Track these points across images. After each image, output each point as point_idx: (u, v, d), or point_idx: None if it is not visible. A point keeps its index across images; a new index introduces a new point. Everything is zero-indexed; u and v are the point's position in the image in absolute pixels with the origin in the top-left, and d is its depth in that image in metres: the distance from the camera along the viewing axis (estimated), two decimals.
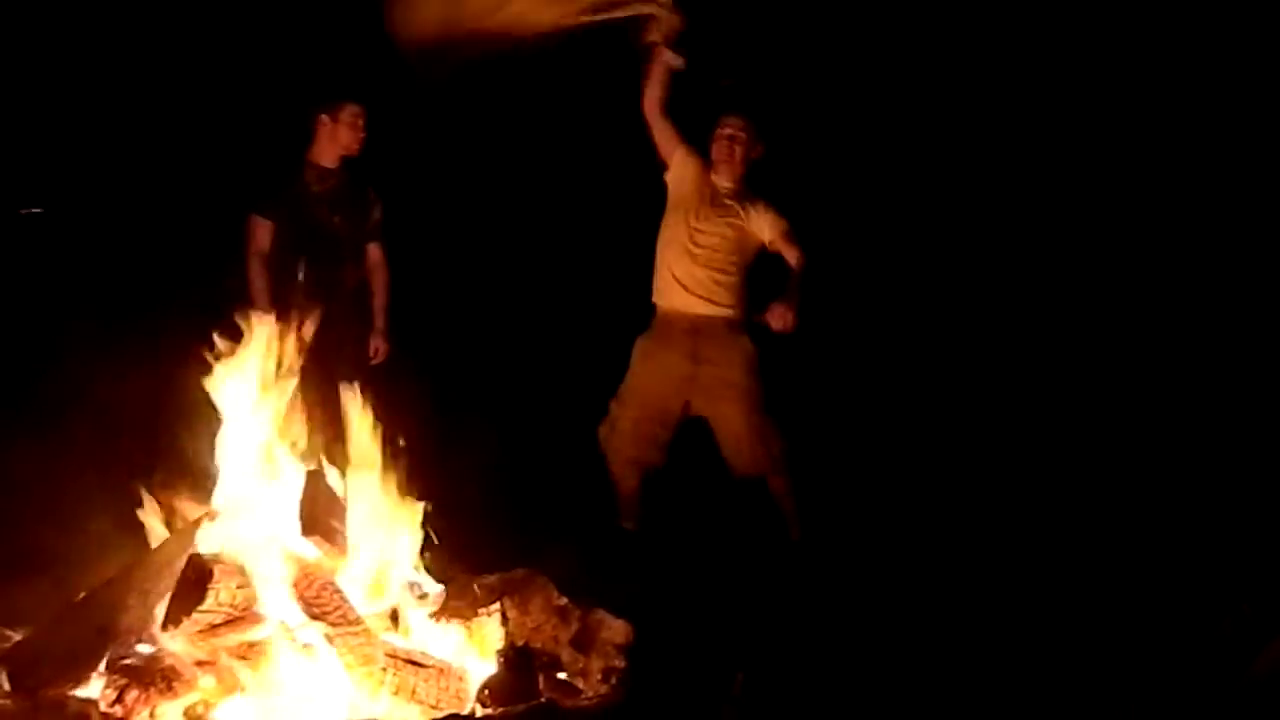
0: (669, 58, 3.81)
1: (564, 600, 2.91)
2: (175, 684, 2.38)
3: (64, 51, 4.86)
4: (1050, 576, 3.64)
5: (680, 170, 4.02)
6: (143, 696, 2.33)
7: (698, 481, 4.25)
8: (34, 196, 4.90)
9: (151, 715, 2.33)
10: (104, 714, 2.26)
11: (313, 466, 2.71)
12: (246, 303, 3.79)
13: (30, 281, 4.76)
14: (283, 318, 2.71)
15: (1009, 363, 5.36)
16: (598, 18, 3.45)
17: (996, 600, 3.48)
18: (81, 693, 2.36)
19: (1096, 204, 5.53)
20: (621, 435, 4.08)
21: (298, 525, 2.61)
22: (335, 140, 4.15)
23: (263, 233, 4.11)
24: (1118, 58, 5.36)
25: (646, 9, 3.65)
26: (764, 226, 3.98)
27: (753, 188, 4.02)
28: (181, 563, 2.51)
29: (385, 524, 2.75)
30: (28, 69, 4.75)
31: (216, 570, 2.49)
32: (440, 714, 2.43)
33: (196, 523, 2.59)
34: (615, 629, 2.74)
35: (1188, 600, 3.24)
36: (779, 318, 3.84)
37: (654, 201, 4.14)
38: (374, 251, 4.37)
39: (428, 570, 2.91)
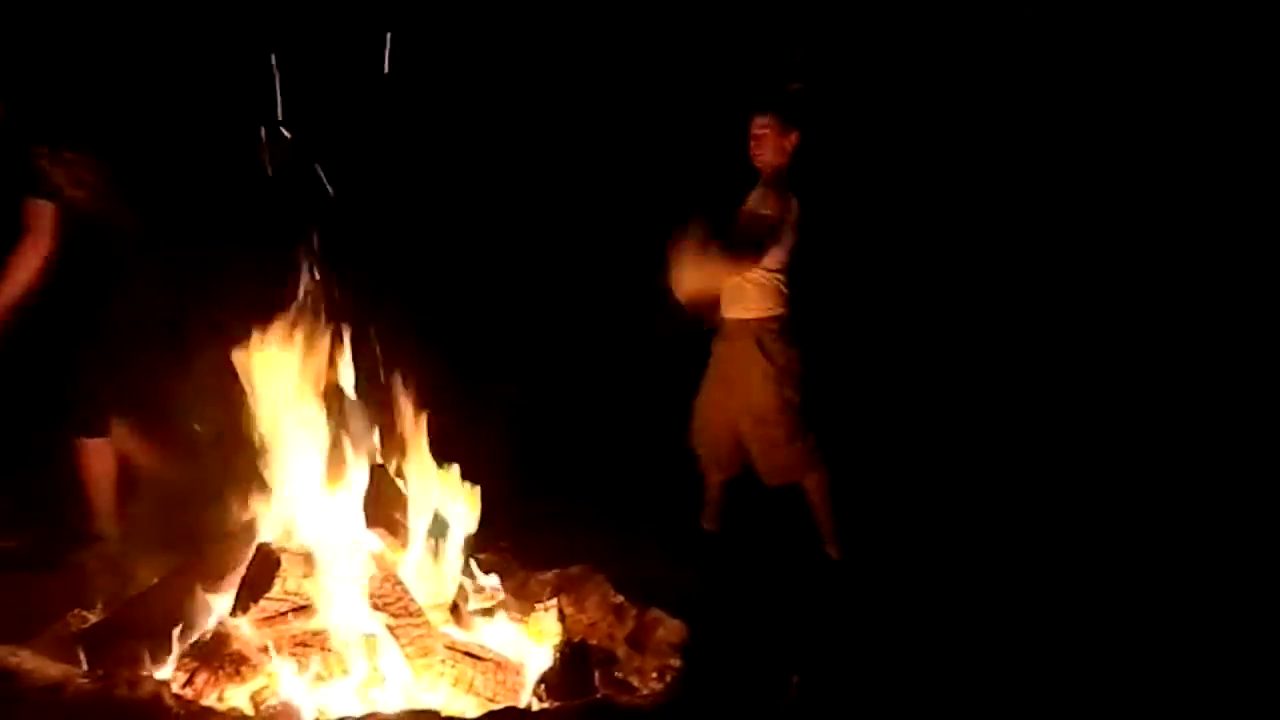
0: None
1: (620, 598, 2.94)
2: (243, 669, 2.46)
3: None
4: (1059, 577, 3.61)
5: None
6: (211, 679, 2.41)
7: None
8: None
9: (220, 698, 2.40)
10: (176, 695, 2.33)
11: (377, 461, 2.76)
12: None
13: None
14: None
15: (1002, 364, 5.31)
16: None
17: (1011, 602, 3.44)
18: (155, 674, 2.44)
19: (1096, 204, 5.46)
20: (695, 435, 4.06)
21: (362, 518, 2.66)
22: None
23: None
24: (1117, 57, 5.31)
25: None
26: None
27: (791, 183, 3.85)
28: (250, 552, 2.59)
29: (447, 518, 2.78)
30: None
31: (283, 560, 2.57)
32: (496, 706, 2.46)
33: (263, 516, 2.66)
34: (671, 628, 2.75)
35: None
36: None
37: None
38: None
39: (487, 565, 2.95)
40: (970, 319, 5.48)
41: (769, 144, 3.81)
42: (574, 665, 2.58)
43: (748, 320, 3.81)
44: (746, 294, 3.81)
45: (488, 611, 2.79)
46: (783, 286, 3.81)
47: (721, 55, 5.43)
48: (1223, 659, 3.07)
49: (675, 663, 2.65)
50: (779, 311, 3.81)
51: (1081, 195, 5.47)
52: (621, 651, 2.76)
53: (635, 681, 2.65)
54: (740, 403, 3.85)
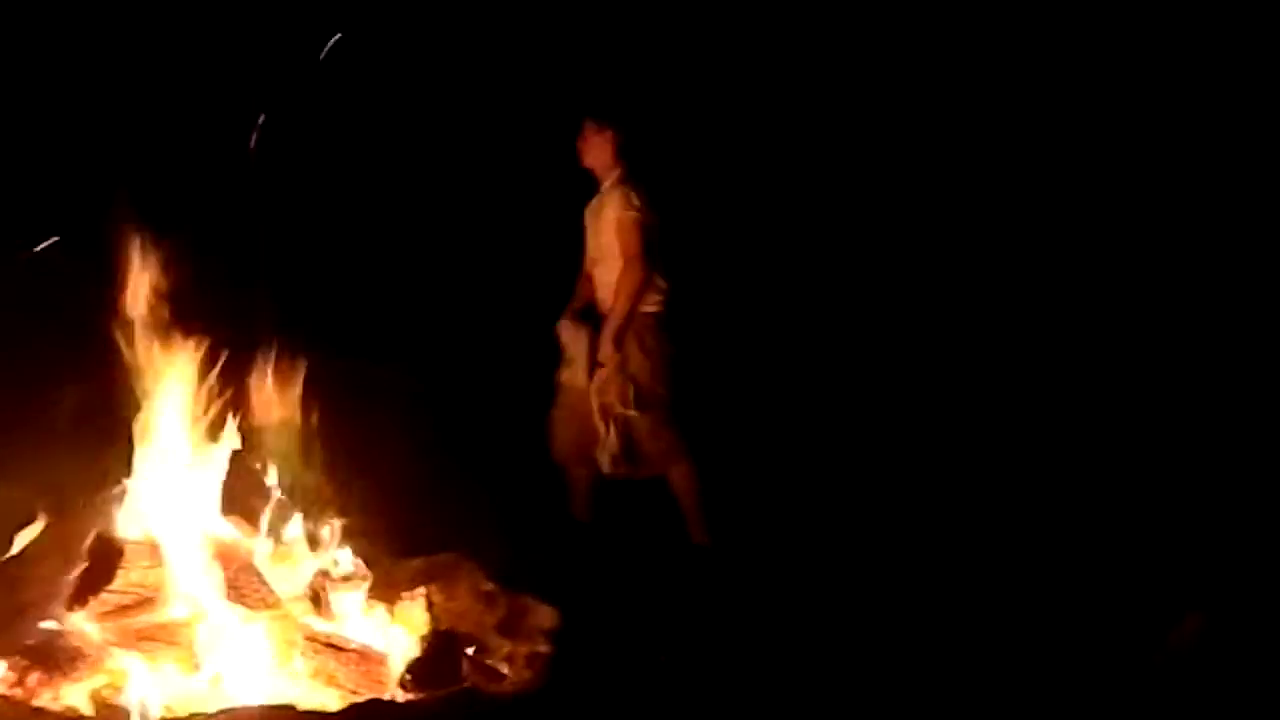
0: None
1: (491, 585, 2.88)
2: (80, 665, 2.31)
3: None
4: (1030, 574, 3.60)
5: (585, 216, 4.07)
6: (45, 678, 2.26)
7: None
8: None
9: (54, 697, 2.25)
10: (3, 696, 2.18)
11: (235, 446, 2.64)
12: None
13: None
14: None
15: (992, 364, 5.30)
16: None
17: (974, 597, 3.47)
18: None
19: (1093, 204, 5.51)
20: (557, 430, 4.10)
21: (218, 505, 2.54)
22: None
23: None
24: (1117, 57, 5.37)
25: None
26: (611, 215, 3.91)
27: (630, 177, 3.91)
28: (88, 541, 2.43)
29: (308, 505, 2.68)
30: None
31: (127, 550, 2.42)
32: (359, 699, 2.38)
33: (104, 500, 2.51)
34: (542, 614, 2.72)
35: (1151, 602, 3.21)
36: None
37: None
38: None
39: (352, 553, 2.85)
40: (967, 319, 5.48)
41: (592, 146, 3.89)
42: (441, 654, 2.52)
43: (645, 315, 3.89)
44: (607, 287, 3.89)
45: (352, 601, 2.69)
46: (660, 280, 3.90)
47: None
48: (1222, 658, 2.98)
49: (545, 649, 2.62)
50: (658, 306, 3.91)
51: (1077, 195, 5.51)
52: (492, 639, 2.71)
53: (505, 669, 2.60)
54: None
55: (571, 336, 3.98)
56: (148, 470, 2.56)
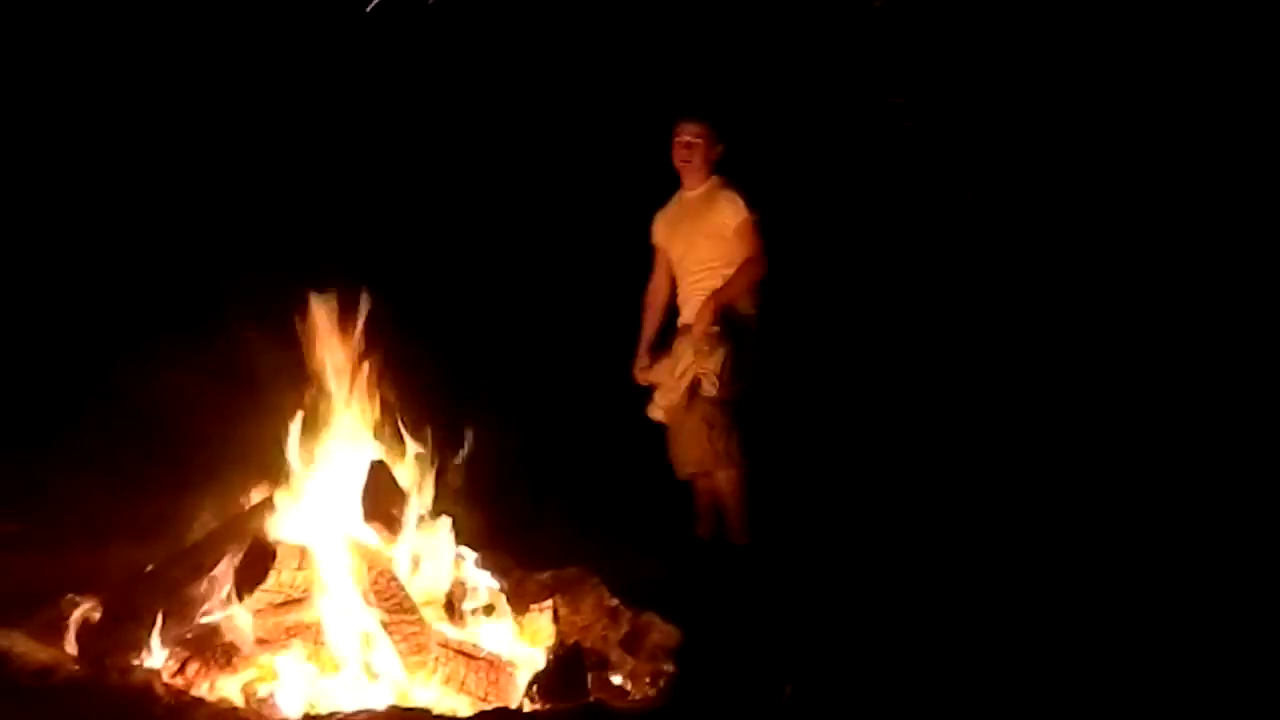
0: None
1: (615, 601, 2.92)
2: (235, 659, 2.45)
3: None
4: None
5: (658, 228, 4.09)
6: (203, 669, 2.40)
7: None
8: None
9: (211, 688, 2.39)
10: (166, 684, 2.32)
11: (377, 455, 2.76)
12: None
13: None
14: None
15: (993, 365, 5.28)
16: None
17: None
18: (146, 662, 2.43)
19: (1093, 204, 5.42)
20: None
21: (360, 512, 2.65)
22: None
23: None
24: (1117, 57, 5.26)
25: None
26: (727, 220, 3.90)
27: (725, 183, 3.94)
28: (245, 543, 2.58)
29: (444, 515, 2.78)
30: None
31: (279, 551, 2.56)
32: (488, 706, 2.45)
33: (261, 505, 2.65)
34: (665, 632, 2.74)
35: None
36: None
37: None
38: None
39: (483, 563, 2.94)
40: (967, 319, 5.47)
41: (700, 153, 3.87)
42: (567, 667, 2.56)
43: (738, 316, 3.88)
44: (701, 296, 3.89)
45: (482, 610, 2.77)
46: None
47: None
48: (1221, 659, 3.03)
49: (669, 668, 2.63)
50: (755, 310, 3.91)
51: (1077, 195, 5.44)
52: (615, 655, 2.75)
53: (628, 686, 2.63)
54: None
55: (656, 369, 3.97)
56: (300, 477, 2.70)
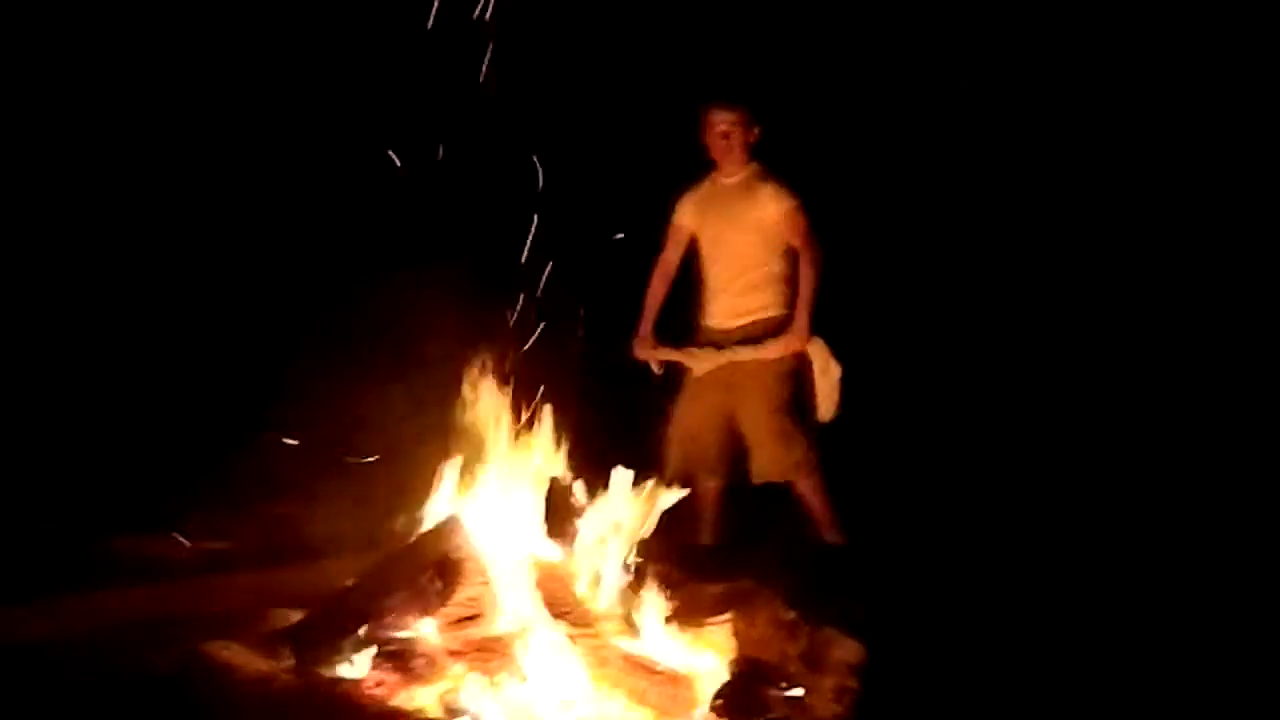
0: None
1: (792, 615, 2.89)
2: (428, 670, 2.56)
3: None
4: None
5: (685, 208, 3.95)
6: (401, 681, 2.52)
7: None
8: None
9: (409, 699, 2.50)
10: (369, 694, 2.45)
11: (556, 472, 2.83)
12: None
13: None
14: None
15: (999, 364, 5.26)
16: None
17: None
18: (349, 673, 2.57)
19: (1093, 204, 5.41)
20: (679, 447, 3.99)
21: (542, 528, 2.73)
22: None
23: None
24: (1117, 57, 5.24)
25: None
26: (769, 212, 3.78)
27: (765, 172, 3.82)
28: (434, 559, 2.70)
29: (622, 529, 2.82)
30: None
31: (464, 568, 2.66)
32: None
33: (447, 522, 2.77)
34: (848, 648, 2.69)
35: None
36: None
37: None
38: None
39: (655, 576, 2.96)
40: (970, 319, 5.43)
41: (739, 139, 3.75)
42: (748, 682, 2.56)
43: (779, 318, 3.82)
44: (752, 293, 3.82)
45: (661, 623, 2.80)
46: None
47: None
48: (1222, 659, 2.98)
49: (853, 684, 2.59)
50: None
51: (1077, 195, 5.44)
52: (795, 670, 2.72)
53: (811, 701, 2.60)
54: (753, 401, 3.81)
55: (666, 354, 3.88)
56: (481, 493, 2.80)
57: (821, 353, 3.84)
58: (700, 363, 3.88)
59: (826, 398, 3.85)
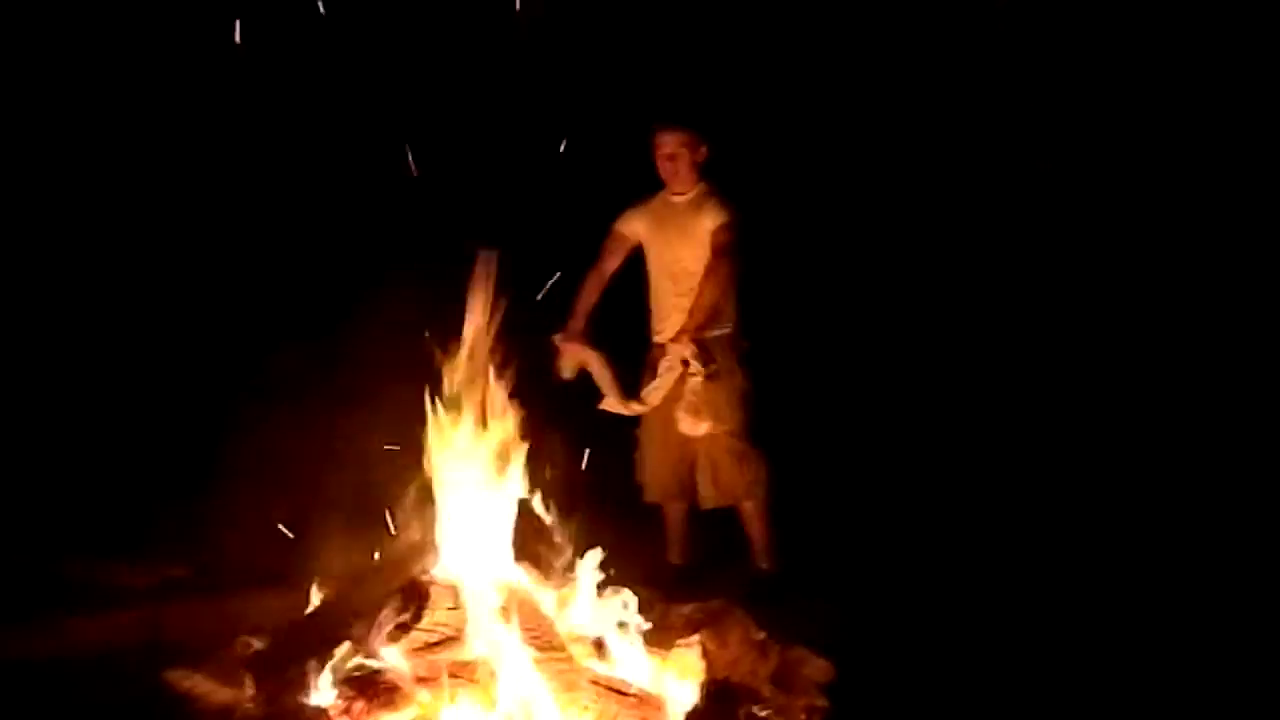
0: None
1: (763, 634, 2.89)
2: (396, 697, 2.52)
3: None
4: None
5: (634, 220, 3.91)
6: (367, 708, 2.48)
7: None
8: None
9: None
10: None
11: (522, 494, 2.81)
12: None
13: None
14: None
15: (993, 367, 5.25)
16: None
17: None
18: (315, 701, 2.53)
19: (1093, 204, 5.42)
20: (650, 468, 3.93)
21: (510, 552, 2.71)
22: None
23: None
24: (1117, 57, 5.24)
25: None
26: (709, 225, 3.74)
27: (712, 190, 3.80)
28: (401, 584, 2.67)
29: (589, 552, 2.81)
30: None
31: (432, 592, 2.63)
32: None
33: (414, 547, 2.74)
34: (817, 667, 2.69)
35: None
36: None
37: None
38: None
39: (629, 598, 2.94)
40: (964, 322, 5.44)
41: (686, 161, 3.75)
42: (719, 703, 2.55)
43: (721, 336, 3.76)
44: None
45: (630, 645, 2.78)
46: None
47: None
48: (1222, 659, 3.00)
49: (822, 703, 2.58)
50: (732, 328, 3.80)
51: (1078, 195, 5.46)
52: (766, 690, 2.71)
53: None
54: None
55: (590, 358, 3.67)
56: (449, 517, 2.78)
57: (678, 354, 3.66)
58: (612, 404, 3.71)
59: (656, 391, 3.67)
